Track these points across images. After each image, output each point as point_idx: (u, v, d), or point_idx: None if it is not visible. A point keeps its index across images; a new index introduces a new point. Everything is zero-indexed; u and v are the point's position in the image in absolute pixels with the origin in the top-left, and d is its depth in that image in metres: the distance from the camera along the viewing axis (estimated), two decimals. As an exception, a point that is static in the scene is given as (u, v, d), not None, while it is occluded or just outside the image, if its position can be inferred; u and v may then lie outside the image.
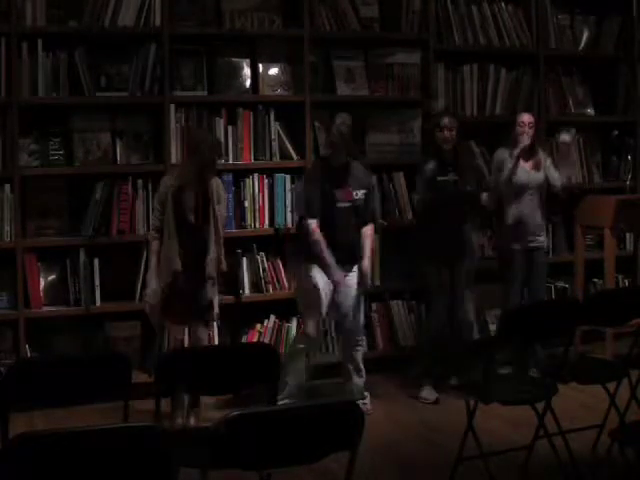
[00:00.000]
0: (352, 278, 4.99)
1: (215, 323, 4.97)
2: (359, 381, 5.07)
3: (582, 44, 6.52)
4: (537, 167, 5.51)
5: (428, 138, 5.42)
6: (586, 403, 4.81)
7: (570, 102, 6.44)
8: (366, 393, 5.08)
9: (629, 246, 6.55)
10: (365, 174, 5.07)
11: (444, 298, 5.25)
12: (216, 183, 4.77)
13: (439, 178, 5.20)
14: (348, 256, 4.95)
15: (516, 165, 5.36)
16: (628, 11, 6.53)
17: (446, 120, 5.23)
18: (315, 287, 4.87)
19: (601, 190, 6.37)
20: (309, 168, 5.33)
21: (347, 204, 4.91)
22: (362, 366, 5.07)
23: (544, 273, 5.63)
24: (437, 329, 5.27)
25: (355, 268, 4.99)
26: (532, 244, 5.51)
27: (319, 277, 4.88)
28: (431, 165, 5.22)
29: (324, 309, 4.93)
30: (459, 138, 5.29)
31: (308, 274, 4.89)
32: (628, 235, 6.52)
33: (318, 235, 4.84)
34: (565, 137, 5.94)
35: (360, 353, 5.09)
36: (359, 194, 4.95)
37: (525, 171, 5.45)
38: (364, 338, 5.21)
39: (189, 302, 4.70)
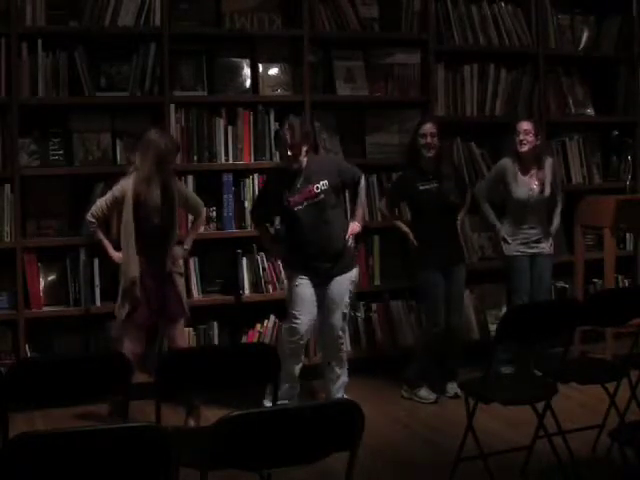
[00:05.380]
0: (343, 280, 4.91)
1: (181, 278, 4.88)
2: (344, 374, 5.01)
3: (582, 44, 6.51)
4: (541, 183, 5.42)
5: (409, 145, 5.34)
6: (586, 403, 4.81)
7: (570, 102, 6.44)
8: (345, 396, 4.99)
9: (629, 246, 6.55)
10: (325, 162, 4.99)
11: (440, 303, 5.21)
12: (177, 183, 4.77)
13: (421, 187, 5.18)
14: (328, 256, 4.86)
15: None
16: (628, 11, 6.52)
17: (427, 126, 5.18)
18: (299, 291, 4.85)
19: (601, 190, 6.37)
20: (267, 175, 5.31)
21: (307, 203, 4.79)
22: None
23: (546, 279, 5.55)
24: (433, 333, 5.23)
25: (346, 273, 4.92)
26: (534, 250, 5.48)
27: (303, 285, 4.85)
28: (409, 173, 5.23)
29: (310, 311, 4.87)
30: (441, 143, 5.24)
31: (293, 284, 4.88)
32: (628, 235, 6.51)
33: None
34: None
35: (344, 352, 5.04)
36: (320, 186, 4.80)
37: (526, 189, 5.40)
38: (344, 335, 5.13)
39: (157, 303, 4.67)
